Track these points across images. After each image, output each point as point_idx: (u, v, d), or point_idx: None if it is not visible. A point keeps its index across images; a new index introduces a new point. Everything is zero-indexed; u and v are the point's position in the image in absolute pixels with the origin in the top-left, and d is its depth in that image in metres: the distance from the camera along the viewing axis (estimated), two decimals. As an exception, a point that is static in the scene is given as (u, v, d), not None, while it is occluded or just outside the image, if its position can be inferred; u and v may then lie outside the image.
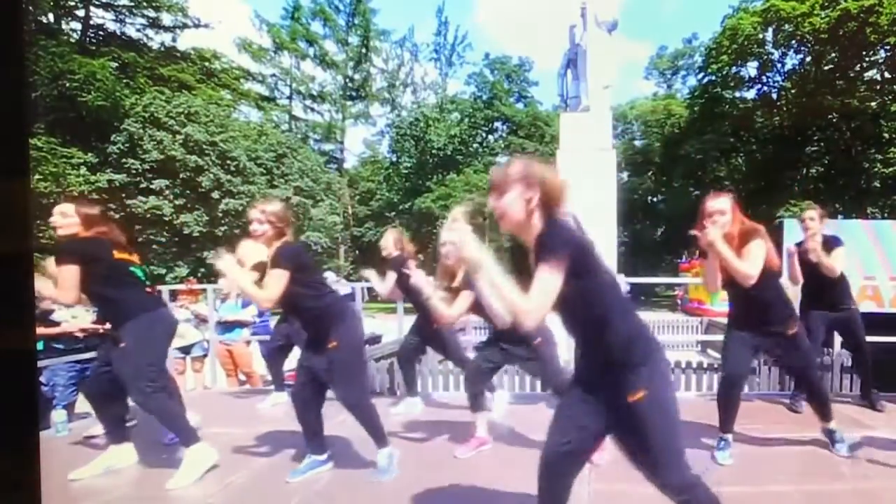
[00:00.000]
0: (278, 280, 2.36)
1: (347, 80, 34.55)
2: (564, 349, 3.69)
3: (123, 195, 18.48)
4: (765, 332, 2.66)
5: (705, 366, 5.63)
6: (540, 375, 3.00)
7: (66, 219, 2.60)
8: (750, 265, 2.44)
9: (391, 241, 3.89)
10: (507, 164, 1.53)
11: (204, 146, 20.00)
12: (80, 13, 22.16)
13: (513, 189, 1.46)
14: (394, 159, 33.50)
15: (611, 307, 1.49)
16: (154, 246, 19.09)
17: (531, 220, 1.47)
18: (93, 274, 2.52)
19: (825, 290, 3.46)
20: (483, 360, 2.94)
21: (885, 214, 21.18)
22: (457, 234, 1.41)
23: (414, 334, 3.86)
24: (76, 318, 3.81)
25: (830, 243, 3.42)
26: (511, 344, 2.84)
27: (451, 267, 2.65)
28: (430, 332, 3.67)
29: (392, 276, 3.88)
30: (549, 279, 1.36)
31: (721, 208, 2.50)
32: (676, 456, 1.49)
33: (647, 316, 9.11)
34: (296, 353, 4.23)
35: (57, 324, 3.75)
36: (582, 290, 1.42)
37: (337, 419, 3.53)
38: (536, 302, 1.36)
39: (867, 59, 22.40)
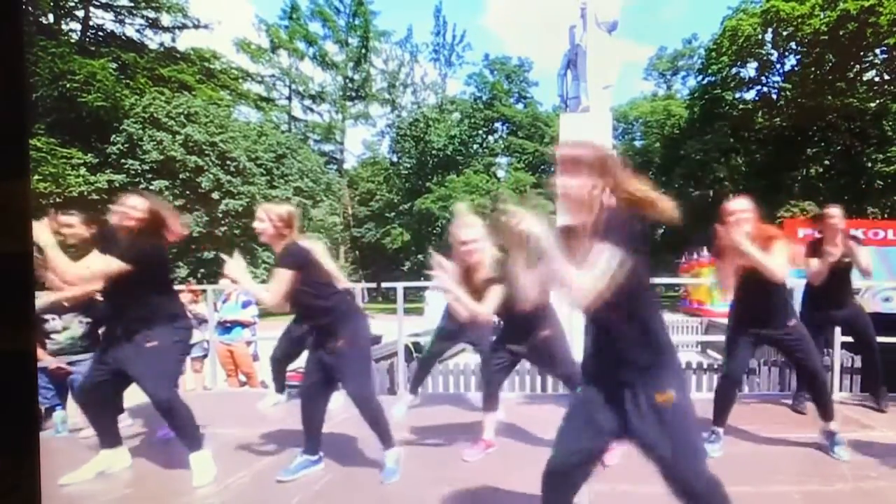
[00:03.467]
0: (280, 279, 2.42)
1: (347, 81, 34.55)
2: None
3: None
4: (769, 326, 2.80)
5: (705, 366, 5.64)
6: (549, 370, 2.98)
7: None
8: (780, 263, 2.58)
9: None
10: (578, 146, 1.47)
11: (204, 147, 20.01)
12: (80, 13, 22.19)
13: (585, 173, 1.43)
14: (394, 160, 33.51)
15: (653, 302, 1.51)
16: (154, 246, 19.06)
17: (593, 203, 1.44)
18: None
19: (835, 288, 3.46)
20: (496, 360, 2.91)
21: (886, 214, 21.20)
22: (519, 217, 1.33)
23: (444, 338, 3.65)
24: (68, 328, 3.83)
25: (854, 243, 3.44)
26: (518, 344, 2.83)
27: (472, 265, 2.63)
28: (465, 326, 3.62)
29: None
30: (611, 260, 1.30)
31: (743, 208, 2.65)
32: (700, 459, 1.45)
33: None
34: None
35: (49, 335, 3.76)
36: (632, 281, 1.36)
37: (338, 419, 3.53)
38: (594, 279, 1.30)
39: (866, 59, 22.41)
